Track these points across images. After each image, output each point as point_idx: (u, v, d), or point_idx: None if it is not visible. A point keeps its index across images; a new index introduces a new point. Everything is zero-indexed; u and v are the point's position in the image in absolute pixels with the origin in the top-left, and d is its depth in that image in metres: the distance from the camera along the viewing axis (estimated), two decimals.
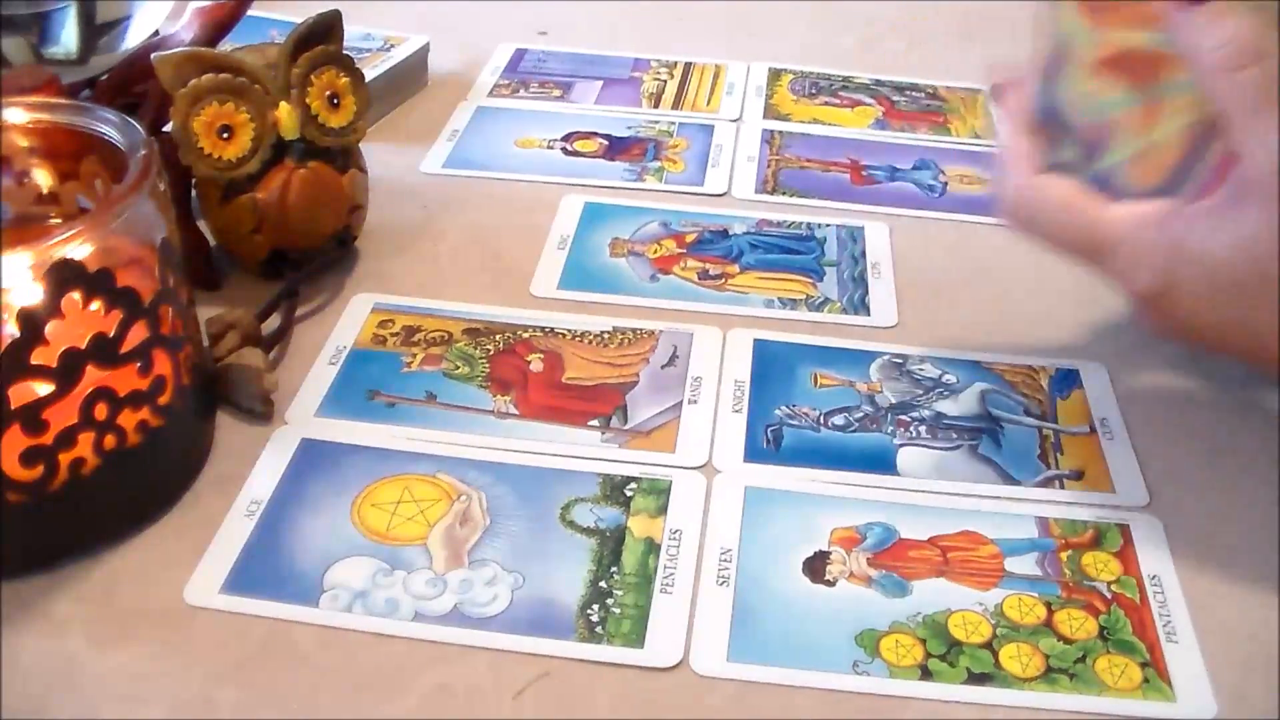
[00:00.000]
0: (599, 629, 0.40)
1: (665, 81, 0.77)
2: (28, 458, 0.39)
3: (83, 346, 0.39)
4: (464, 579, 0.42)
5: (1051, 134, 0.48)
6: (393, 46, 0.75)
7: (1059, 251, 0.47)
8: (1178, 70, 0.46)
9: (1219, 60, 0.41)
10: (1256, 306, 0.42)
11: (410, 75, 0.75)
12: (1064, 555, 0.44)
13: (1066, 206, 0.46)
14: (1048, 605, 0.42)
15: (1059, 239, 0.47)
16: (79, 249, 0.39)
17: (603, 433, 0.49)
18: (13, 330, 0.38)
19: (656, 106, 0.74)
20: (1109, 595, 0.42)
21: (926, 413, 0.50)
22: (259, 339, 0.51)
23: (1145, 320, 0.47)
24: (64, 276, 0.38)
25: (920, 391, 0.52)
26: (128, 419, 0.41)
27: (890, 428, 0.49)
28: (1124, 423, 0.50)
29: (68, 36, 0.64)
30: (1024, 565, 0.43)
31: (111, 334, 0.40)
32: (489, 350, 0.53)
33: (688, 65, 0.79)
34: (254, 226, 0.54)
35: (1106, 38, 0.47)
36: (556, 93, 0.75)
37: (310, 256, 0.56)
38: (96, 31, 0.65)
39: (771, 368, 0.53)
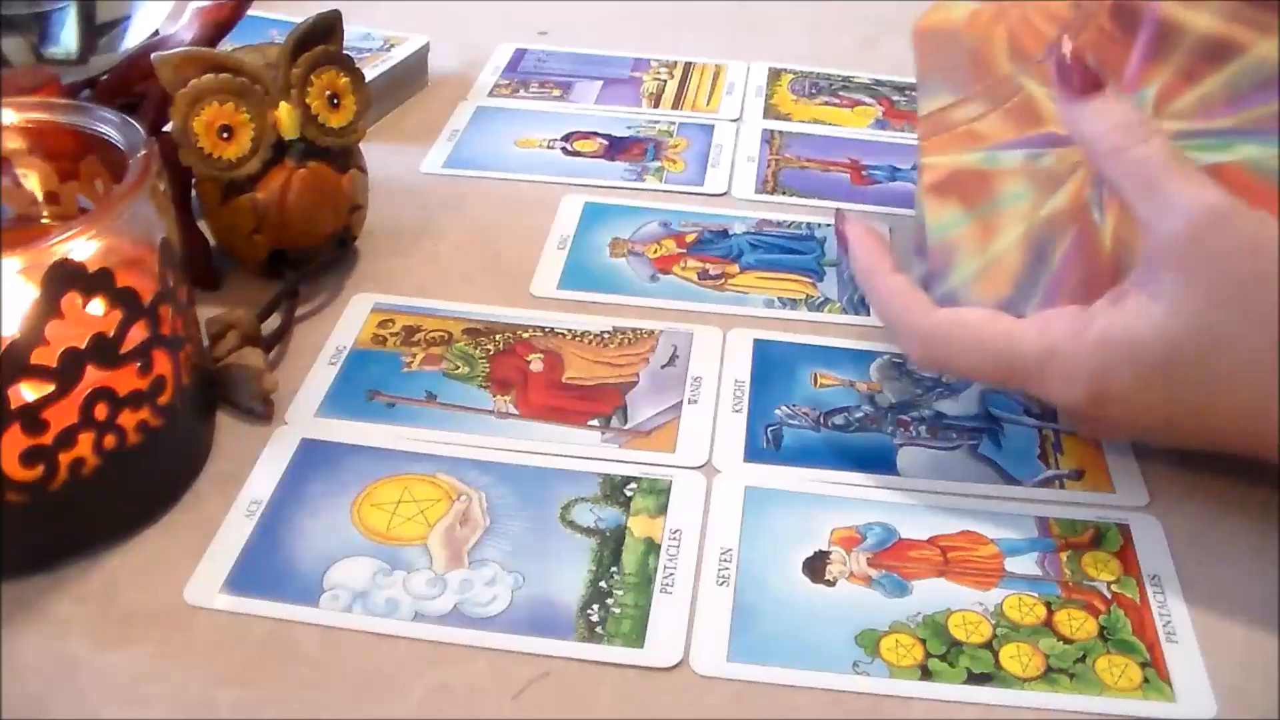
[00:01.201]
0: (599, 629, 0.40)
1: (665, 81, 0.77)
2: (28, 458, 0.39)
3: (83, 346, 0.39)
4: (464, 579, 0.42)
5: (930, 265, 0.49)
6: (393, 46, 0.75)
7: (979, 380, 0.47)
8: (1006, 184, 0.46)
9: (1110, 145, 0.41)
10: (1188, 390, 0.41)
11: (410, 75, 0.75)
12: (1064, 555, 0.44)
13: (976, 332, 0.44)
14: (1048, 605, 0.42)
15: (974, 368, 0.45)
16: (79, 249, 0.39)
17: (603, 433, 0.49)
18: (13, 330, 0.38)
19: (656, 106, 0.74)
20: (1109, 595, 0.42)
21: (926, 412, 0.50)
22: (259, 339, 0.51)
23: (1084, 429, 0.47)
24: (64, 276, 0.38)
25: (920, 391, 0.52)
26: (128, 419, 0.41)
27: (890, 428, 0.50)
28: None
29: (68, 36, 0.64)
30: (1024, 565, 0.43)
31: (111, 334, 0.40)
32: (489, 350, 0.53)
33: (688, 65, 0.79)
34: (254, 226, 0.54)
35: (934, 161, 0.48)
36: (556, 93, 0.75)
37: (310, 256, 0.56)
38: (96, 31, 0.65)
39: (771, 368, 0.53)
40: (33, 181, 0.48)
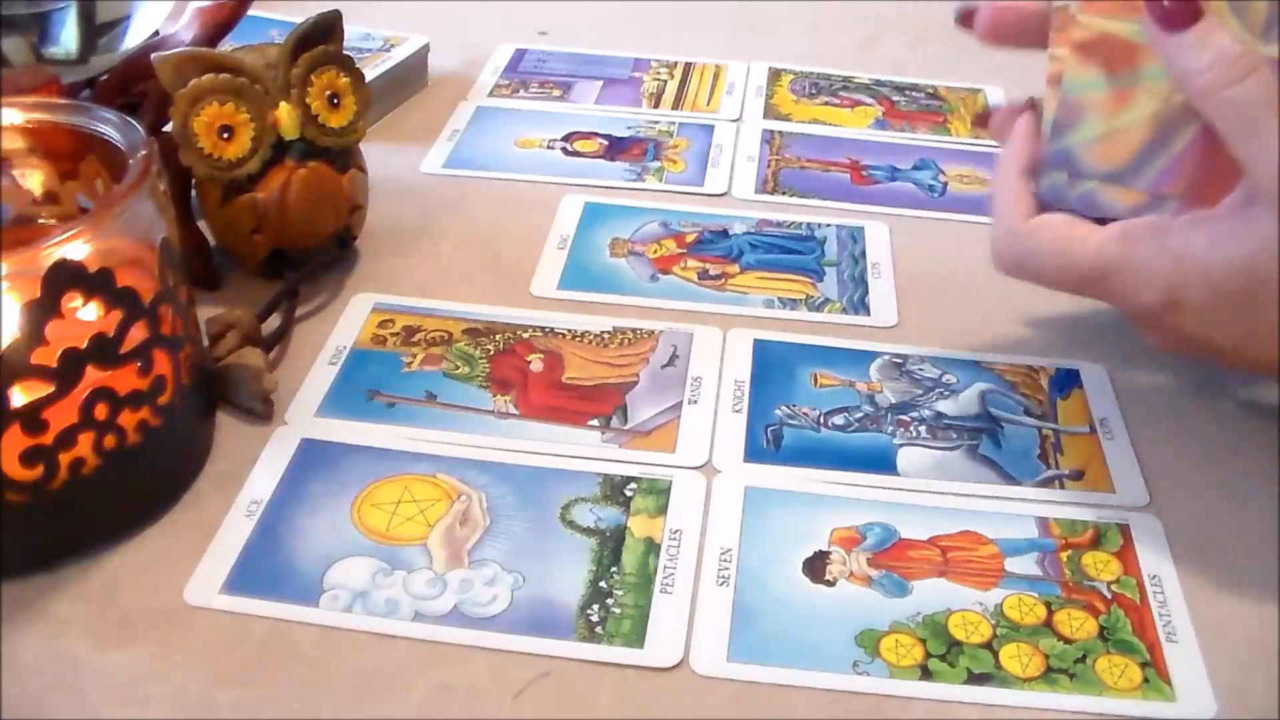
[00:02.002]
0: (599, 629, 0.40)
1: (665, 81, 0.77)
2: (28, 458, 0.39)
3: (82, 346, 0.39)
4: (464, 579, 0.42)
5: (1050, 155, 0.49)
6: (393, 46, 0.75)
7: (1058, 289, 0.47)
8: (1151, 61, 0.46)
9: (1210, 80, 0.41)
10: (1262, 317, 0.42)
11: (410, 75, 0.75)
12: (1064, 555, 0.44)
13: (1056, 242, 0.45)
14: (1048, 605, 0.42)
15: (1056, 278, 0.46)
16: (79, 249, 0.39)
17: (603, 433, 0.49)
18: (13, 330, 0.38)
19: (656, 106, 0.74)
20: (1109, 595, 0.42)
21: (926, 413, 0.50)
22: (259, 339, 0.51)
23: (1149, 337, 0.47)
24: (64, 276, 0.38)
25: (920, 391, 0.52)
26: (128, 419, 0.41)
27: (890, 428, 0.50)
28: (1124, 423, 0.50)
29: (68, 36, 0.64)
30: (1024, 565, 0.43)
31: (111, 334, 0.40)
32: (489, 350, 0.53)
33: (688, 65, 0.79)
34: (254, 226, 0.54)
35: (1088, 21, 0.47)
36: (556, 93, 0.75)
37: (310, 256, 0.56)
38: (96, 31, 0.65)
39: (771, 368, 0.53)
40: (33, 181, 0.48)
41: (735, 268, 0.59)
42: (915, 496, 0.46)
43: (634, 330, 0.54)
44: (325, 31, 0.55)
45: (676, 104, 0.74)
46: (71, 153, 0.47)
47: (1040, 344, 0.55)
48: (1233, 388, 0.52)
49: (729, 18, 0.86)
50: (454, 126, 0.71)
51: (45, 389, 0.39)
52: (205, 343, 0.50)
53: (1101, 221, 0.46)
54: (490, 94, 0.75)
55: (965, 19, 0.52)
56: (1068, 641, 0.41)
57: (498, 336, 0.54)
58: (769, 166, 0.68)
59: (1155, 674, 0.40)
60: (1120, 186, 0.47)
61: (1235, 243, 0.41)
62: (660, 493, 0.46)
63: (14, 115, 0.46)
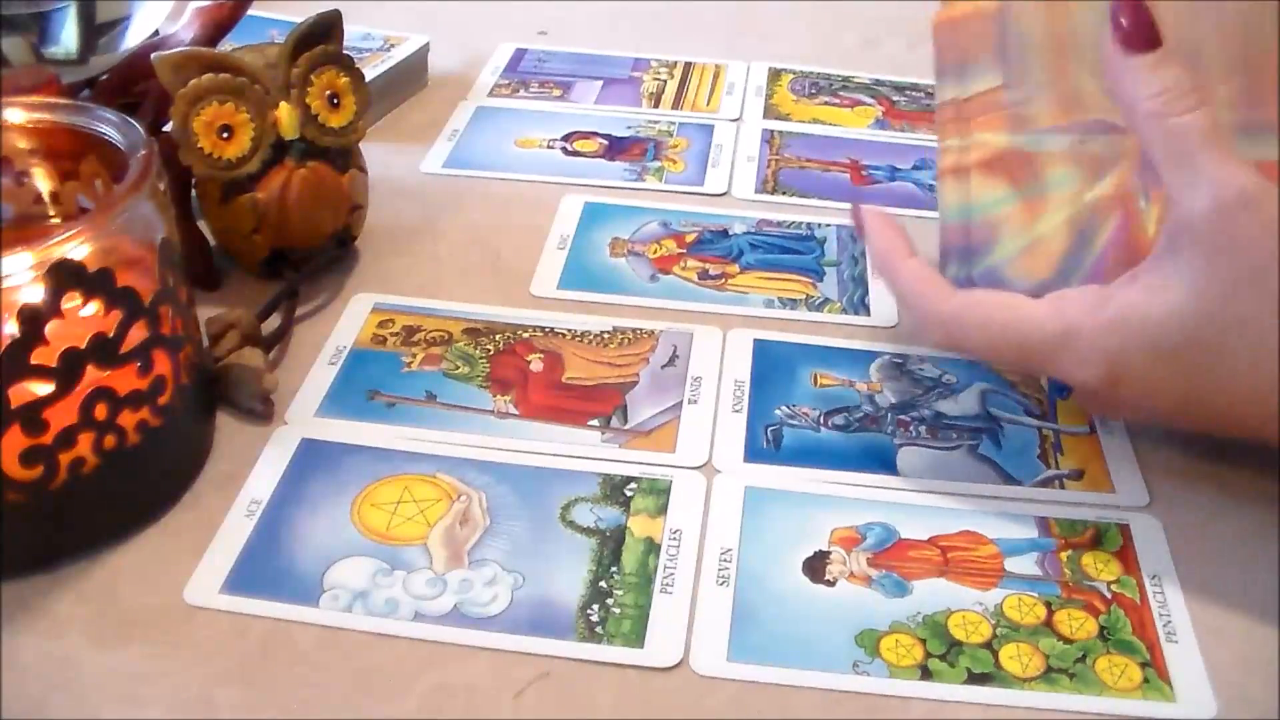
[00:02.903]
0: (599, 629, 0.40)
1: (665, 81, 0.77)
2: (28, 458, 0.39)
3: (83, 346, 0.39)
4: (464, 579, 0.42)
5: (950, 245, 0.49)
6: (393, 46, 0.75)
7: (995, 363, 0.47)
8: (1054, 167, 0.46)
9: (1156, 106, 0.41)
10: (1204, 374, 0.41)
11: (410, 75, 0.75)
12: (1064, 555, 0.44)
13: (988, 316, 0.44)
14: (1048, 605, 0.42)
15: (990, 352, 0.46)
16: (79, 249, 0.39)
17: (603, 433, 0.49)
18: (13, 330, 0.38)
19: (656, 106, 0.74)
20: (1109, 595, 0.42)
21: (926, 413, 0.50)
22: (259, 339, 0.51)
23: (1096, 409, 0.47)
24: (64, 276, 0.38)
25: (920, 391, 0.52)
26: (128, 419, 0.41)
27: (890, 428, 0.50)
28: (1124, 423, 0.50)
29: (68, 36, 0.64)
30: (1024, 565, 0.43)
31: (111, 334, 0.40)
32: (489, 350, 0.53)
33: (688, 65, 0.79)
34: (254, 226, 0.54)
35: (984, 139, 0.48)
36: (556, 93, 0.75)
37: (310, 256, 0.56)
38: (96, 31, 0.65)
39: (771, 368, 0.53)
40: (33, 181, 0.48)
41: (735, 268, 0.59)
42: (915, 496, 0.46)
43: (634, 330, 0.54)
44: (325, 31, 0.55)
45: (676, 104, 0.74)
46: (71, 153, 0.47)
47: None
48: None
49: (729, 18, 0.86)
50: (454, 126, 0.71)
51: (45, 389, 0.39)
52: (205, 343, 0.50)
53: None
54: (490, 94, 0.75)
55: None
56: (1068, 641, 0.41)
57: (498, 336, 0.54)
58: (769, 166, 0.68)
59: (1155, 674, 0.40)
60: (1028, 258, 0.47)
61: (1165, 291, 0.40)
62: (660, 493, 0.46)
63: (14, 115, 0.46)
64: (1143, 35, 0.41)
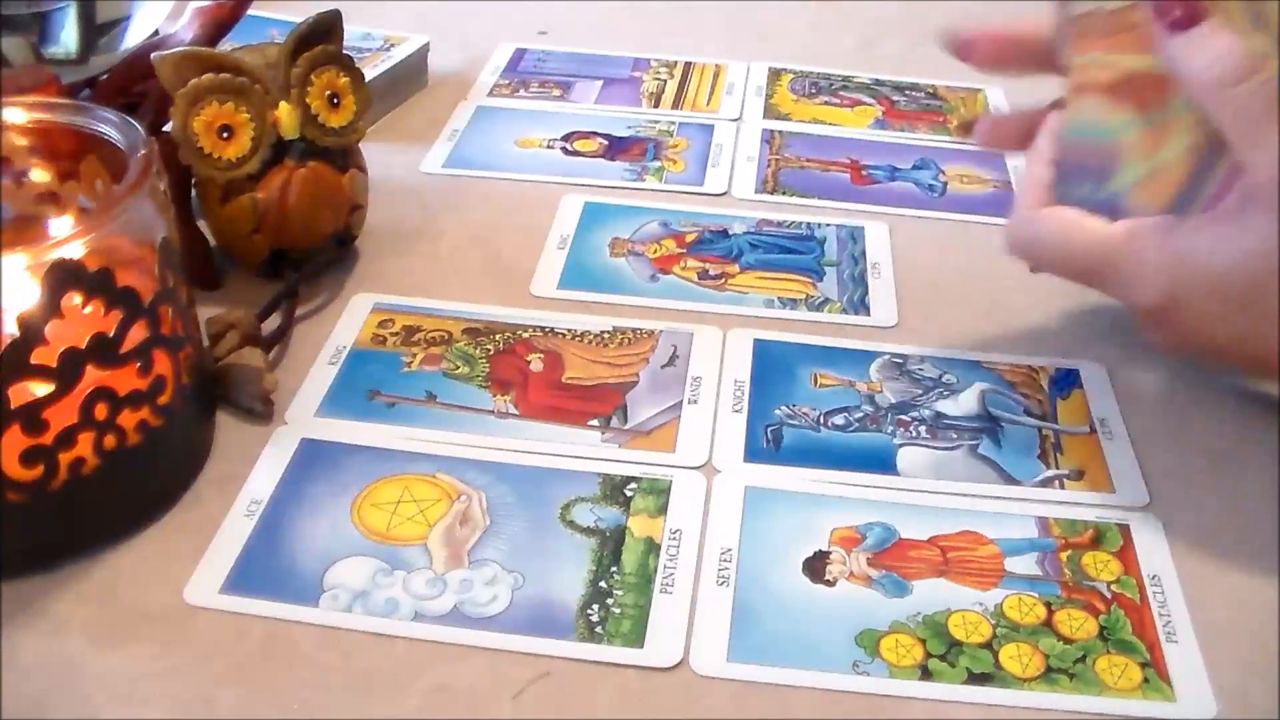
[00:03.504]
0: (599, 629, 0.40)
1: (665, 81, 0.77)
2: (28, 458, 0.39)
3: (83, 346, 0.39)
4: (464, 579, 0.42)
5: (1070, 165, 0.48)
6: (393, 46, 0.75)
7: (1063, 275, 0.48)
8: (1180, 91, 0.46)
9: (1213, 79, 0.41)
10: (1262, 317, 0.42)
11: (410, 75, 0.75)
12: (1064, 555, 0.44)
13: (1065, 229, 0.46)
14: (1048, 605, 0.42)
15: (1060, 263, 0.47)
16: (79, 249, 0.39)
17: (603, 432, 0.49)
18: (13, 330, 0.38)
19: (656, 106, 0.74)
20: (1109, 595, 0.42)
21: (926, 413, 0.50)
22: (259, 339, 0.51)
23: (1150, 335, 0.48)
24: (64, 276, 0.38)
25: (920, 391, 0.52)
26: (128, 419, 0.41)
27: (890, 428, 0.49)
28: (1124, 423, 0.50)
29: (68, 36, 0.64)
30: (1024, 565, 0.43)
31: (111, 334, 0.40)
32: (489, 350, 0.53)
33: (688, 65, 0.79)
34: (254, 226, 0.54)
35: (1112, 60, 0.47)
36: (556, 92, 0.75)
37: (310, 256, 0.56)
38: (96, 31, 0.65)
39: (771, 368, 0.53)
40: (33, 182, 0.48)
41: (735, 268, 0.59)
42: (915, 496, 0.46)
43: (634, 330, 0.54)
44: (325, 31, 0.55)
45: (676, 104, 0.74)
46: (71, 153, 0.47)
47: (1040, 344, 0.55)
48: (1233, 388, 0.52)
49: (729, 18, 0.86)
50: (454, 126, 0.71)
51: (45, 389, 0.39)
52: (205, 343, 0.50)
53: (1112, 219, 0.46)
54: (490, 94, 0.75)
55: (959, 51, 0.52)
56: (1068, 641, 0.41)
57: (498, 336, 0.54)
58: (769, 166, 0.68)
59: (1155, 674, 0.40)
60: (1149, 185, 0.47)
61: (1235, 242, 0.42)
62: (660, 493, 0.46)
63: (15, 115, 0.46)
64: (1185, 11, 0.42)
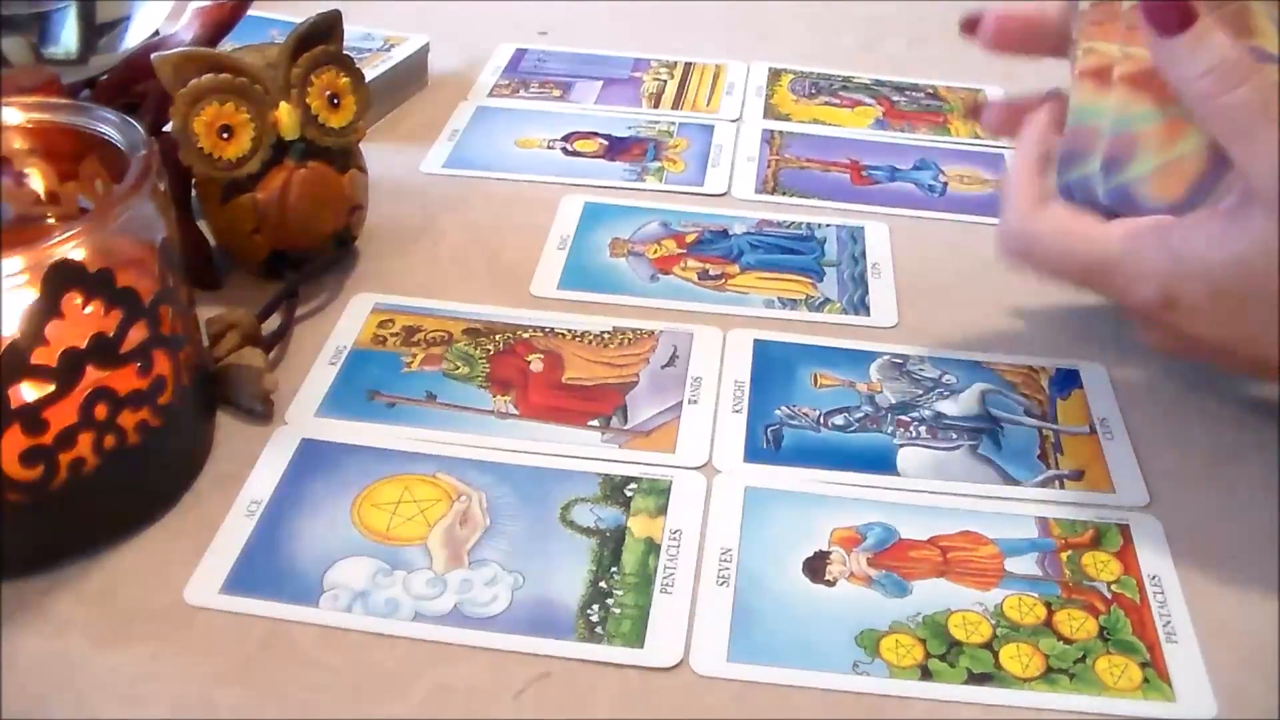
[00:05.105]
0: (599, 629, 0.40)
1: (665, 81, 0.77)
2: (28, 458, 0.39)
3: (83, 346, 0.39)
4: (464, 579, 0.42)
5: (1079, 149, 0.48)
6: (393, 46, 0.75)
7: (1059, 279, 0.47)
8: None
9: (1205, 86, 0.41)
10: (1259, 318, 0.42)
11: (410, 75, 0.75)
12: (1064, 555, 0.44)
13: (1061, 232, 0.46)
14: (1048, 605, 0.42)
15: (1057, 268, 0.47)
16: (79, 249, 0.39)
17: (603, 433, 0.49)
18: (13, 330, 0.38)
19: (656, 106, 0.74)
20: (1109, 595, 0.42)
21: (926, 413, 0.50)
22: (259, 339, 0.51)
23: (1146, 336, 0.48)
24: (64, 277, 0.38)
25: (920, 391, 0.52)
26: (128, 419, 0.41)
27: (890, 428, 0.49)
28: (1124, 423, 0.50)
29: (68, 36, 0.64)
30: (1024, 565, 0.43)
31: (111, 334, 0.40)
32: (489, 350, 0.53)
33: (688, 65, 0.79)
34: (254, 226, 0.54)
35: (1136, 53, 0.47)
36: (556, 93, 0.75)
37: (310, 256, 0.56)
38: (96, 31, 0.65)
39: (771, 368, 0.53)
40: (33, 182, 0.48)
41: (735, 268, 0.59)
42: (915, 496, 0.46)
43: (634, 330, 0.54)
44: (325, 31, 0.55)
45: (676, 104, 0.74)
46: (71, 153, 0.47)
47: (1040, 344, 0.55)
48: (1233, 388, 0.52)
49: (729, 18, 0.87)
50: (454, 126, 0.71)
51: (45, 389, 0.39)
52: (205, 343, 0.50)
53: (1108, 216, 0.46)
54: (490, 94, 0.75)
55: (968, 27, 0.52)
56: (1068, 641, 0.41)
57: (498, 336, 0.54)
58: (769, 166, 0.68)
59: (1155, 674, 0.40)
60: (1163, 176, 0.47)
61: (1232, 241, 0.41)
62: (660, 493, 0.46)
63: (14, 115, 0.46)
64: (1176, 15, 0.42)
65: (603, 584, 0.42)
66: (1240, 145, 0.41)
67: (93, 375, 0.40)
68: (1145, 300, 0.44)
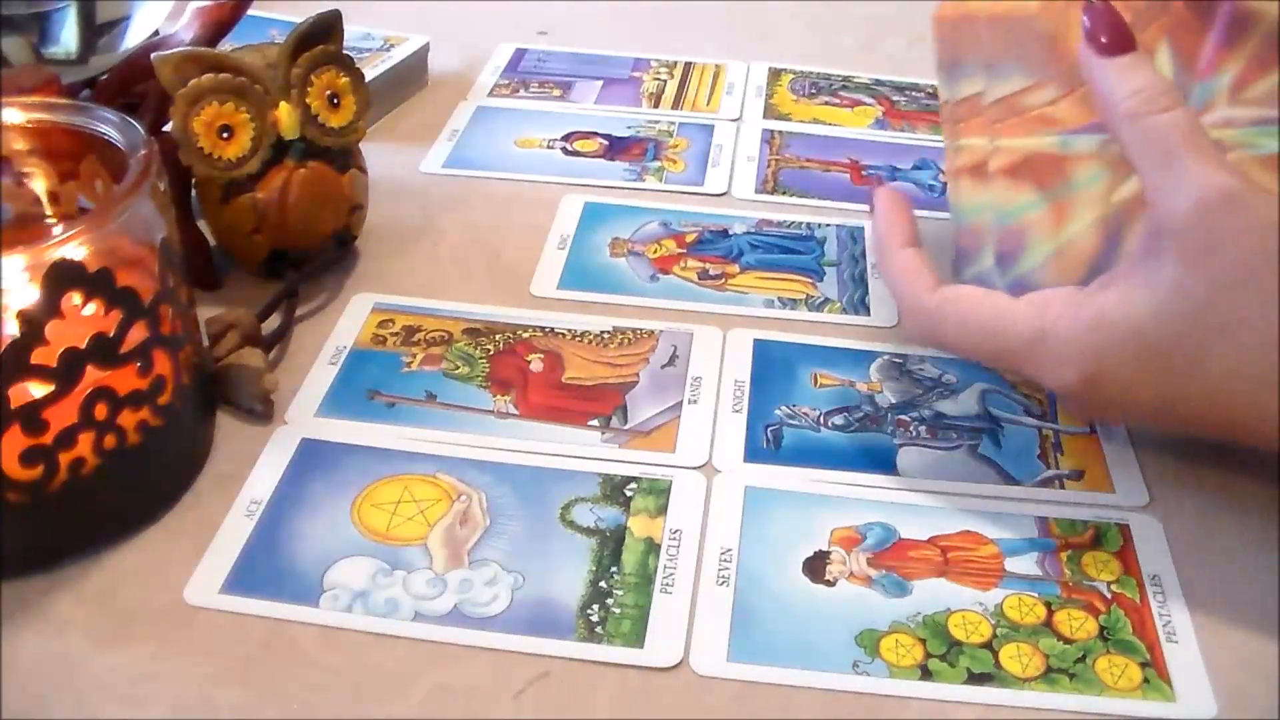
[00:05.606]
0: (599, 629, 0.40)
1: (665, 81, 0.77)
2: (28, 458, 0.39)
3: (83, 346, 0.39)
4: (464, 579, 0.42)
5: (969, 247, 0.49)
6: (393, 46, 0.75)
7: (973, 360, 0.47)
8: (1082, 167, 0.46)
9: (1133, 106, 0.40)
10: (1186, 376, 0.40)
11: (410, 75, 0.75)
12: (1064, 555, 0.44)
13: (969, 313, 0.44)
14: (1048, 605, 0.42)
15: (969, 349, 0.45)
16: (79, 249, 0.39)
17: (603, 433, 0.49)
18: (13, 330, 0.38)
19: (656, 106, 0.74)
20: (1109, 595, 0.42)
21: (926, 413, 0.50)
22: (259, 339, 0.51)
23: (1075, 410, 0.47)
24: (63, 277, 0.38)
25: (920, 391, 0.52)
26: (128, 419, 0.41)
27: (890, 428, 0.50)
28: (1124, 423, 0.50)
29: (68, 36, 0.64)
30: (1024, 565, 0.43)
31: (111, 334, 0.40)
32: (489, 350, 0.53)
33: (688, 65, 0.79)
34: (254, 226, 0.54)
35: (1009, 145, 0.47)
36: (556, 93, 0.75)
37: (310, 256, 0.56)
38: (96, 31, 0.65)
39: (771, 368, 0.53)
40: (33, 182, 0.48)
41: (735, 268, 0.59)
42: (915, 496, 0.46)
43: (634, 330, 0.54)
44: (325, 31, 0.55)
45: (676, 104, 0.74)
46: (71, 153, 0.47)
47: None
48: None
49: (729, 18, 0.86)
50: (454, 126, 0.71)
51: (45, 389, 0.39)
52: (205, 343, 0.50)
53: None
54: (490, 94, 0.75)
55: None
56: (1068, 641, 0.41)
57: (498, 336, 0.54)
58: (769, 166, 0.68)
59: (1155, 674, 0.40)
60: (1059, 261, 0.47)
61: (1147, 296, 0.40)
62: (660, 493, 0.46)
63: (14, 115, 0.46)
64: (1115, 38, 0.41)
65: (603, 584, 0.42)
66: (1158, 172, 0.40)
67: (93, 375, 0.40)
68: (1067, 384, 0.42)
